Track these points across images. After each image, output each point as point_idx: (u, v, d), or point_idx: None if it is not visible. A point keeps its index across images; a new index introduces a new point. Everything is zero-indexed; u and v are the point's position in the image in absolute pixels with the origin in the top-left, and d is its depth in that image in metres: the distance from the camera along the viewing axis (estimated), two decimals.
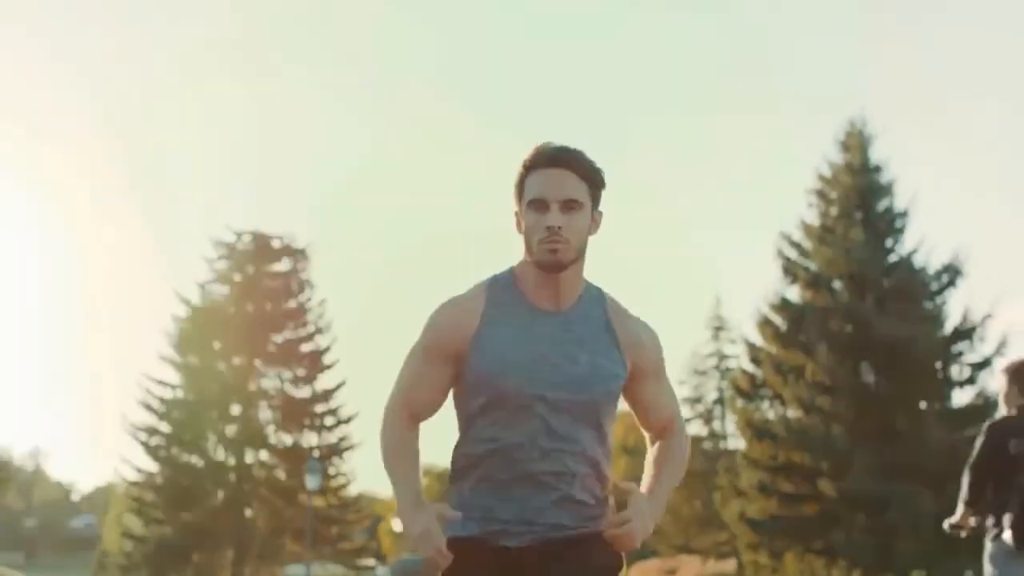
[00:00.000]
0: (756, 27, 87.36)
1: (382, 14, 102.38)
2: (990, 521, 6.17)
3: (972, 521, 6.28)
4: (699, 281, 75.95)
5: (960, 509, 6.28)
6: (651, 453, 3.13)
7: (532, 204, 2.88)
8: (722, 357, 46.96)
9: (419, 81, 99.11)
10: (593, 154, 2.92)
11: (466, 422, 2.95)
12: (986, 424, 6.30)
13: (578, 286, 2.94)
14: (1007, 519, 6.06)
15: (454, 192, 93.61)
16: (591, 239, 2.96)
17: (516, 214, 2.95)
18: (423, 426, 3.03)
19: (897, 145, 65.56)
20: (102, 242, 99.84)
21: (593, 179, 2.91)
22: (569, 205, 2.86)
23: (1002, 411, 6.34)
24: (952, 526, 6.36)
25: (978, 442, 6.23)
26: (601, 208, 2.98)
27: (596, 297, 2.98)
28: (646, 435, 3.16)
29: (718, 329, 47.37)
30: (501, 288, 2.96)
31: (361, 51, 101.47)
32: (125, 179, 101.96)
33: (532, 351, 2.88)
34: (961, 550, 26.30)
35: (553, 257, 2.85)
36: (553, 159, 2.88)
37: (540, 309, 2.92)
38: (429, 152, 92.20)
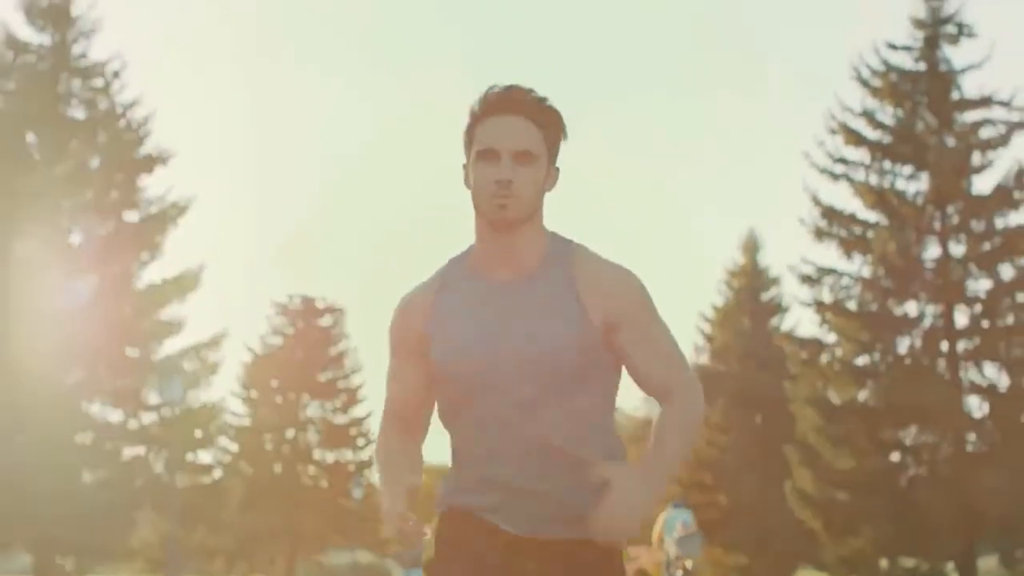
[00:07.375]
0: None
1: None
2: None
3: None
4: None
5: None
6: (655, 421, 2.67)
7: (482, 155, 2.50)
8: None
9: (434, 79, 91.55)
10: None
11: (441, 415, 2.69)
12: None
13: (539, 247, 2.57)
14: None
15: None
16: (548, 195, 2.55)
17: (464, 167, 2.57)
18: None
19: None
20: None
21: (550, 125, 2.52)
22: (522, 157, 2.48)
23: None
24: None
25: None
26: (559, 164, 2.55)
27: (561, 253, 2.59)
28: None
29: None
30: (456, 268, 2.64)
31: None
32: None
33: (483, 330, 2.55)
34: (819, 543, 34.99)
35: (502, 214, 2.48)
36: (505, 104, 2.50)
37: (494, 282, 2.57)
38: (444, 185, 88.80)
